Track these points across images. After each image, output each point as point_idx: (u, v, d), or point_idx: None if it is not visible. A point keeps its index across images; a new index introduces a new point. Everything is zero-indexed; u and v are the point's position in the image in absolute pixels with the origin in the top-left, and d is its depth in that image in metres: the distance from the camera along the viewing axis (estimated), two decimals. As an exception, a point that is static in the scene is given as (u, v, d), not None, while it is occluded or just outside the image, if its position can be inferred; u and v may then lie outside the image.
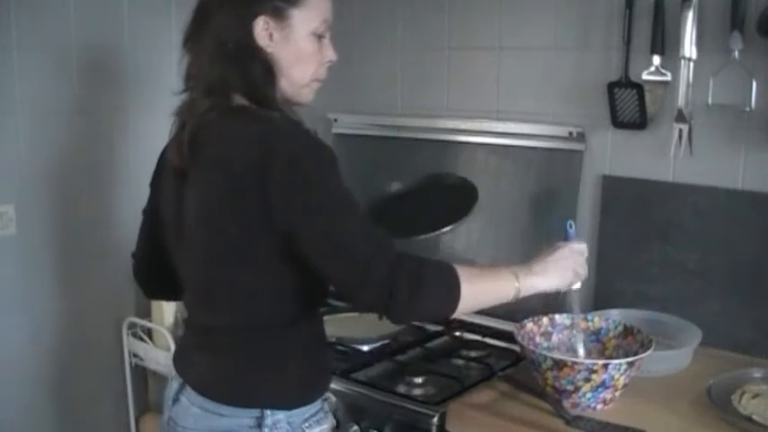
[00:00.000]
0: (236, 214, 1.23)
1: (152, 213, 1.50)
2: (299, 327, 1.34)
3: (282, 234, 1.21)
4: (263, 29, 1.28)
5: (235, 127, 1.26)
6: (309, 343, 1.38)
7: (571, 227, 1.49)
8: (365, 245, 1.19)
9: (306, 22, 1.31)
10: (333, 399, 1.42)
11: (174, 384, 1.40)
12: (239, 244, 1.25)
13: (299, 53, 1.32)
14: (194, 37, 1.32)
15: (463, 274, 1.24)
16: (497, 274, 1.33)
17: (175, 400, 1.37)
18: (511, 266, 1.35)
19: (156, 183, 1.48)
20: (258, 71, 1.29)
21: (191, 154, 1.28)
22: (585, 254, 1.45)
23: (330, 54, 1.36)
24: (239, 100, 1.30)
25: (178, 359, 1.44)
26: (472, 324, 2.01)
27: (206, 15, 1.30)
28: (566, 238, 1.48)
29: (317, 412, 1.36)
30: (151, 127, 2.27)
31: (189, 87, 1.34)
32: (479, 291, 1.28)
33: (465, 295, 1.23)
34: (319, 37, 1.34)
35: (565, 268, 1.40)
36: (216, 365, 1.33)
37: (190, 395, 1.34)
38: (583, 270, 1.44)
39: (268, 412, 1.29)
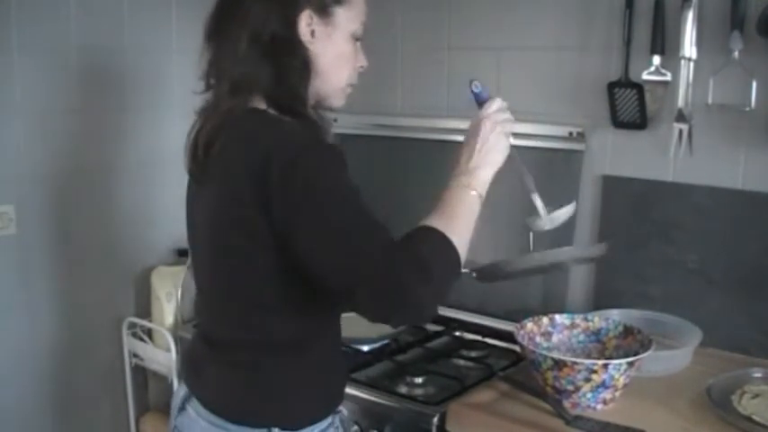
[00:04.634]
0: (241, 224, 1.18)
1: None
2: (312, 344, 1.29)
3: (284, 245, 1.16)
4: (306, 24, 1.23)
5: (242, 133, 1.20)
6: (323, 360, 1.32)
7: (477, 87, 1.33)
8: (365, 252, 1.12)
9: (348, 22, 1.27)
10: (345, 412, 1.39)
11: (181, 392, 1.35)
12: (244, 254, 1.20)
13: (339, 54, 1.27)
14: (221, 30, 1.25)
15: (446, 230, 1.16)
16: (459, 202, 1.24)
17: (181, 408, 1.33)
18: (457, 178, 1.26)
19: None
20: (296, 67, 1.23)
21: (204, 159, 1.23)
22: (505, 106, 1.34)
23: (362, 59, 1.32)
24: (258, 102, 1.24)
25: (186, 367, 1.39)
26: (472, 324, 2.01)
27: (236, 6, 1.23)
28: (478, 103, 1.33)
29: (326, 428, 1.31)
30: (151, 127, 2.28)
31: (212, 85, 1.28)
32: (463, 231, 1.20)
33: (459, 246, 1.17)
34: (356, 40, 1.30)
35: (497, 142, 1.30)
36: (226, 383, 1.28)
37: (196, 406, 1.30)
38: (510, 126, 1.33)
39: (276, 430, 1.25)
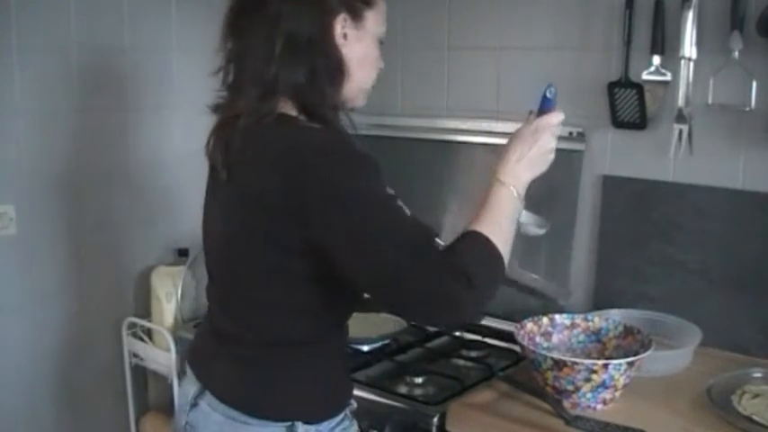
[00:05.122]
0: (272, 232, 1.19)
1: None
2: (329, 341, 1.32)
3: (320, 253, 1.17)
4: (341, 27, 1.24)
5: (277, 141, 1.20)
6: (338, 356, 1.37)
7: (551, 92, 1.31)
8: (410, 261, 1.13)
9: (376, 25, 1.29)
10: (354, 405, 1.41)
11: (192, 389, 1.34)
12: (272, 262, 1.22)
13: (366, 56, 1.29)
14: (246, 28, 1.24)
15: (489, 233, 1.19)
16: (501, 204, 1.25)
17: (194, 405, 1.33)
18: (502, 176, 1.26)
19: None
20: (330, 70, 1.24)
21: (234, 160, 1.23)
22: (562, 120, 1.33)
23: (380, 61, 1.33)
24: (287, 106, 1.24)
25: (196, 362, 1.39)
26: (472, 324, 2.01)
27: (263, 5, 1.22)
28: (543, 107, 1.31)
29: (342, 420, 1.35)
30: (151, 127, 2.27)
31: (231, 82, 1.28)
32: (506, 233, 1.23)
33: (503, 248, 1.20)
34: (381, 42, 1.32)
35: (548, 153, 1.31)
36: (245, 378, 1.29)
37: (211, 401, 1.30)
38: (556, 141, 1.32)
39: (299, 423, 1.27)
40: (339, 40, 1.25)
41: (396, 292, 1.16)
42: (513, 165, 1.28)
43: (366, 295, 1.25)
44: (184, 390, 1.38)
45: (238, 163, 1.23)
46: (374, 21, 1.29)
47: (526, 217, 1.41)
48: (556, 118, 1.31)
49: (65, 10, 2.06)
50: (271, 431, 1.27)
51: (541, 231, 1.48)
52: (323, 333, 1.31)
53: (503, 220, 1.24)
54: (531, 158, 1.28)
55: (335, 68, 1.25)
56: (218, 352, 1.34)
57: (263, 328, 1.28)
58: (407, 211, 1.22)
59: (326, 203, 1.14)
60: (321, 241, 1.16)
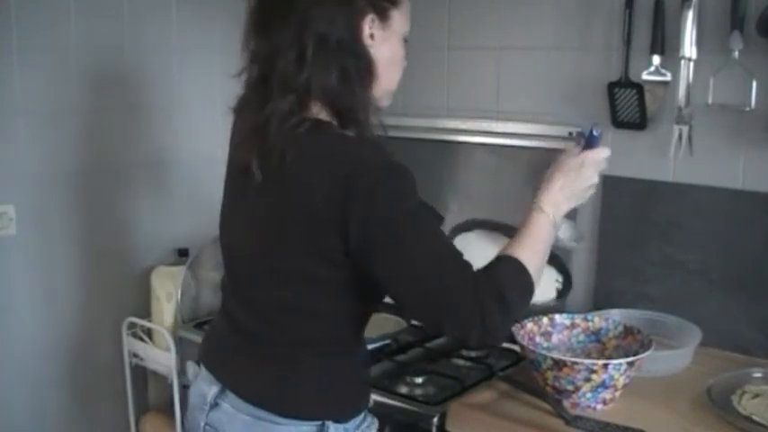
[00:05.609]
0: (309, 241, 1.19)
1: None
2: (354, 342, 1.35)
3: (358, 265, 1.18)
4: (369, 28, 1.24)
5: (319, 148, 1.20)
6: (363, 356, 1.39)
7: (597, 131, 1.33)
8: (448, 279, 1.16)
9: (401, 25, 1.29)
10: (371, 402, 1.43)
11: (212, 389, 1.32)
12: (307, 268, 1.22)
13: (393, 56, 1.29)
14: (273, 29, 1.22)
15: (524, 259, 1.21)
16: (539, 230, 1.26)
17: (214, 405, 1.31)
18: (543, 203, 1.27)
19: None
20: (361, 71, 1.23)
21: (270, 164, 1.21)
22: (608, 156, 1.34)
23: (405, 60, 1.33)
24: (317, 109, 1.24)
25: (214, 359, 1.37)
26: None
27: (290, 5, 1.20)
28: (589, 144, 1.33)
29: (365, 417, 1.37)
30: (151, 127, 2.27)
31: (257, 86, 1.25)
32: (539, 260, 1.25)
33: (534, 274, 1.21)
34: (405, 41, 1.31)
35: (589, 188, 1.33)
36: (276, 377, 1.28)
37: (234, 401, 1.29)
38: (598, 177, 1.34)
39: (330, 422, 1.28)
40: (367, 40, 1.24)
41: (433, 306, 1.17)
42: (555, 193, 1.29)
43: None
44: (199, 390, 1.36)
45: (277, 168, 1.21)
46: (400, 20, 1.28)
47: (563, 231, 1.43)
48: (603, 153, 1.33)
49: (65, 10, 2.06)
50: (301, 430, 1.27)
51: (576, 245, 1.49)
52: (350, 335, 1.33)
53: (539, 247, 1.26)
54: (573, 190, 1.30)
55: (365, 70, 1.24)
56: (243, 351, 1.33)
57: (293, 330, 1.28)
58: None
59: (368, 217, 1.15)
60: (364, 255, 1.17)
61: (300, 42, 1.20)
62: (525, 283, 1.21)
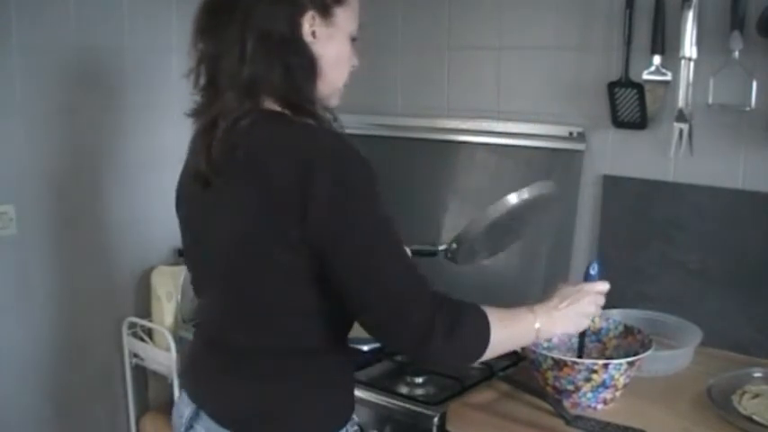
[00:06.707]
0: (275, 231, 1.16)
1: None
2: (335, 346, 1.28)
3: (317, 255, 1.15)
4: (309, 25, 1.23)
5: (274, 136, 1.18)
6: (347, 364, 1.34)
7: (594, 269, 1.43)
8: (407, 285, 1.16)
9: (347, 22, 1.28)
10: (356, 418, 1.40)
11: (186, 410, 1.29)
12: (279, 263, 1.18)
13: (338, 54, 1.27)
14: (218, 27, 1.21)
15: (493, 321, 1.22)
16: (520, 319, 1.30)
17: (189, 427, 1.28)
18: (534, 308, 1.32)
19: (179, 204, 1.41)
20: (304, 68, 1.22)
21: (222, 161, 1.19)
22: (606, 290, 1.41)
23: (354, 59, 1.32)
24: (270, 104, 1.22)
25: (191, 379, 1.35)
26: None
27: (234, 4, 1.19)
28: (587, 278, 1.43)
29: (349, 427, 1.32)
30: (151, 127, 2.28)
31: (206, 87, 1.24)
32: (504, 338, 1.26)
33: (493, 343, 1.22)
34: (353, 40, 1.30)
35: (584, 318, 1.38)
36: (247, 395, 1.24)
37: (208, 424, 1.25)
38: (597, 309, 1.40)
39: None
40: (308, 37, 1.23)
41: (386, 303, 1.15)
42: (551, 308, 1.34)
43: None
44: (178, 410, 1.33)
45: (229, 164, 1.19)
46: (345, 18, 1.27)
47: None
48: (600, 286, 1.39)
49: (65, 10, 2.06)
50: None
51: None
52: (330, 337, 1.26)
53: (511, 332, 1.27)
54: (567, 313, 1.35)
55: (308, 67, 1.23)
56: (213, 365, 1.29)
57: (272, 333, 1.24)
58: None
59: (334, 205, 1.13)
60: (321, 242, 1.14)
61: (243, 40, 1.19)
62: (481, 336, 1.21)
